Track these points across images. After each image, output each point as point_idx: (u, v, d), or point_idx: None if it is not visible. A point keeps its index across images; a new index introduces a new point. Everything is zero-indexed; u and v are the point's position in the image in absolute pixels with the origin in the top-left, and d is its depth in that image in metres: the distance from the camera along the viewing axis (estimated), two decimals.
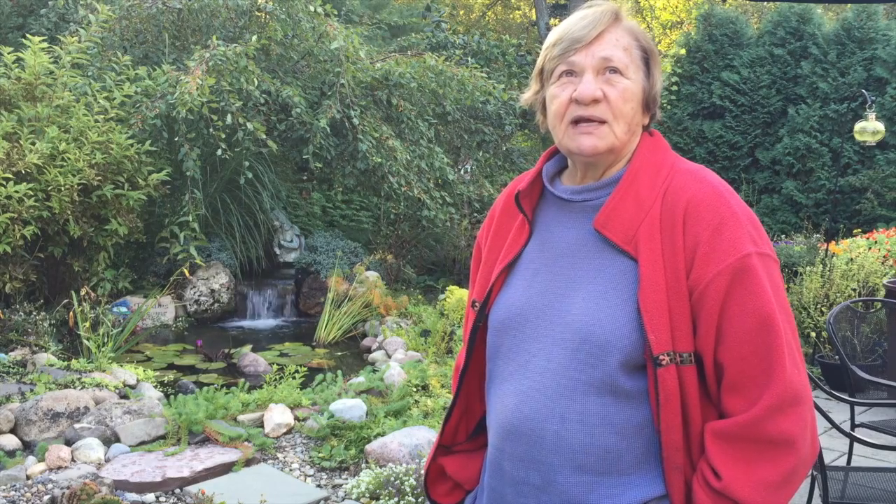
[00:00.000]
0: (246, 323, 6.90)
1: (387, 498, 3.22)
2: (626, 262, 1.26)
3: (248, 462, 3.67)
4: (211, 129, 6.19)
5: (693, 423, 1.23)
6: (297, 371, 4.69)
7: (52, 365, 4.63)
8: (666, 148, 1.36)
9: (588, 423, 1.24)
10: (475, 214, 8.53)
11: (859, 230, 8.13)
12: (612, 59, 1.28)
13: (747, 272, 1.20)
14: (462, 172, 9.12)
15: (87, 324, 5.13)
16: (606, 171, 1.34)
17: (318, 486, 3.52)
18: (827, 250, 6.18)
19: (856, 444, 3.57)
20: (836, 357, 4.53)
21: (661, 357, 1.20)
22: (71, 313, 5.23)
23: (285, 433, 4.02)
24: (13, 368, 4.56)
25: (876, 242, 6.42)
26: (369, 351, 5.95)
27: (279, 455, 3.80)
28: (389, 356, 5.55)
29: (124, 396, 4.36)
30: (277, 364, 5.46)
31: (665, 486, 1.25)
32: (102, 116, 5.82)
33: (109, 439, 3.77)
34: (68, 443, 3.73)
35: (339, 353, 5.98)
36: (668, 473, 1.24)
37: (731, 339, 1.20)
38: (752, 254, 1.21)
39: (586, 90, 1.27)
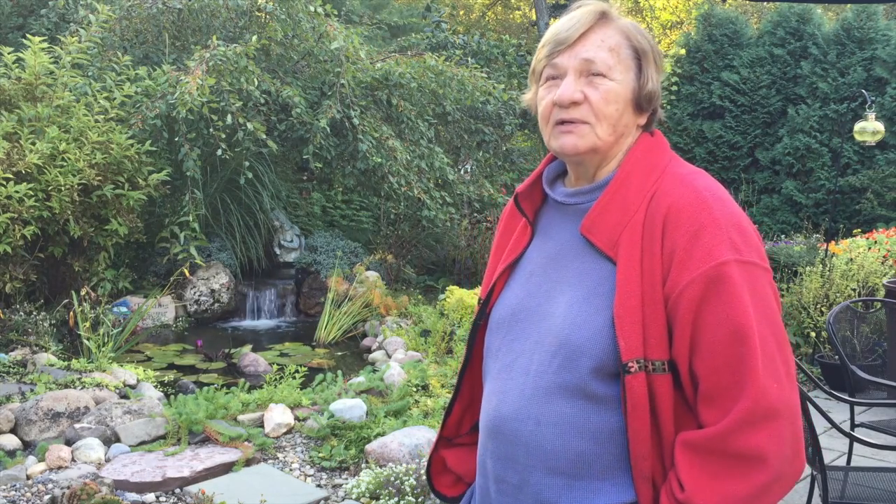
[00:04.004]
0: (246, 323, 6.91)
1: (387, 498, 3.22)
2: (609, 267, 1.26)
3: (249, 462, 3.67)
4: (211, 129, 6.19)
5: (665, 433, 1.21)
6: (297, 371, 4.69)
7: (52, 365, 4.63)
8: (663, 149, 1.34)
9: (561, 426, 1.24)
10: (475, 214, 8.53)
11: (859, 230, 8.13)
12: (594, 60, 1.27)
13: (722, 281, 1.17)
14: (462, 172, 9.12)
15: (88, 324, 5.13)
16: (598, 173, 1.34)
17: (318, 485, 3.53)
18: (827, 250, 6.18)
19: (856, 444, 3.57)
20: (836, 357, 4.53)
21: (630, 364, 1.19)
22: (71, 313, 5.23)
23: (285, 433, 4.02)
24: (13, 368, 4.57)
25: (876, 242, 6.42)
26: (369, 351, 5.95)
27: (279, 455, 3.80)
28: (389, 356, 5.55)
29: (124, 396, 4.37)
30: (277, 364, 5.46)
31: (635, 493, 1.23)
32: (102, 116, 5.83)
33: (109, 439, 3.77)
34: (68, 443, 3.73)
35: (339, 353, 5.98)
36: (636, 481, 1.22)
37: (704, 350, 1.18)
38: (729, 262, 1.17)
39: (564, 93, 1.26)
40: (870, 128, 6.10)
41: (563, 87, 1.27)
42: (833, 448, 4.13)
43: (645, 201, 1.26)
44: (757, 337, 1.16)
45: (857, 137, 6.23)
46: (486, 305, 1.43)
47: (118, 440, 3.79)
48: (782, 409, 1.15)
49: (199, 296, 6.59)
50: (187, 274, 6.37)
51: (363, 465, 3.65)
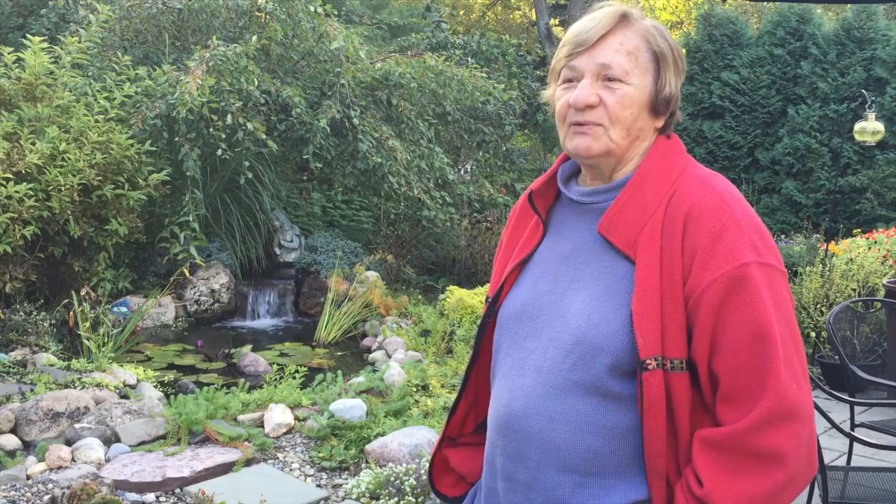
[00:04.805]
0: (246, 323, 6.90)
1: (387, 498, 3.22)
2: (627, 266, 1.26)
3: (249, 462, 3.67)
4: (211, 129, 6.19)
5: (681, 431, 1.22)
6: (297, 371, 4.69)
7: (52, 365, 4.63)
8: (680, 152, 1.35)
9: (575, 423, 1.25)
10: (475, 214, 8.53)
11: (859, 230, 8.13)
12: (610, 65, 1.27)
13: (744, 282, 1.18)
14: (462, 172, 9.12)
15: (88, 324, 5.13)
16: (614, 174, 1.34)
17: (318, 485, 3.53)
18: (827, 250, 6.18)
19: (856, 444, 3.57)
20: (836, 357, 4.53)
21: (648, 362, 1.20)
22: (71, 313, 5.23)
23: (285, 433, 4.02)
24: (13, 368, 4.57)
25: (876, 242, 6.42)
26: (369, 351, 5.95)
27: (279, 455, 3.80)
28: (389, 356, 5.55)
29: (124, 396, 4.37)
30: (277, 364, 5.46)
31: (648, 491, 1.24)
32: (102, 116, 5.82)
33: (109, 439, 3.77)
34: (68, 443, 3.73)
35: (339, 353, 5.98)
36: (649, 478, 1.23)
37: (725, 350, 1.19)
38: (751, 263, 1.19)
39: (580, 96, 1.27)
40: (870, 128, 6.10)
41: (578, 90, 1.28)
42: (833, 448, 4.13)
43: (664, 202, 1.27)
44: (778, 338, 1.17)
45: (857, 137, 6.24)
46: (494, 303, 1.43)
47: (118, 440, 3.79)
48: (801, 411, 1.17)
49: (199, 296, 6.59)
50: (187, 274, 6.37)
51: (363, 465, 3.65)
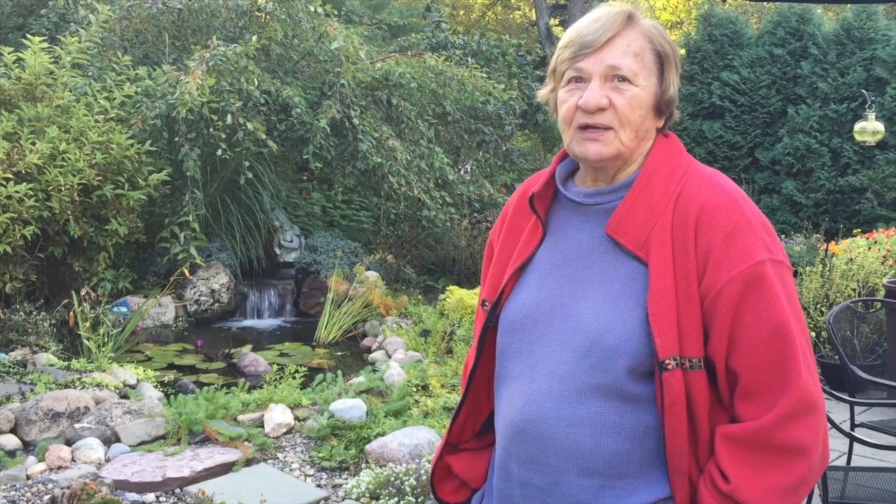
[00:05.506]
0: (246, 323, 6.90)
1: (387, 498, 3.22)
2: (638, 267, 1.26)
3: (249, 462, 3.67)
4: (211, 129, 6.19)
5: (701, 429, 1.23)
6: (297, 371, 4.69)
7: (52, 365, 4.63)
8: (681, 150, 1.35)
9: (595, 427, 1.24)
10: (475, 214, 8.53)
11: (859, 230, 8.13)
12: (619, 67, 1.26)
13: (761, 279, 1.19)
14: (462, 172, 9.12)
15: (88, 324, 5.13)
16: (618, 175, 1.34)
17: (319, 485, 3.53)
18: (827, 250, 6.18)
19: (856, 444, 3.56)
20: (836, 357, 4.53)
21: (667, 361, 1.20)
22: (71, 313, 5.23)
23: (285, 433, 4.02)
24: (13, 368, 4.57)
25: (876, 242, 6.42)
26: (369, 351, 5.95)
27: (279, 455, 3.80)
28: (389, 356, 5.55)
29: (124, 396, 4.37)
30: (277, 364, 5.46)
31: (670, 488, 1.25)
32: (102, 116, 5.83)
33: (110, 439, 3.77)
34: (68, 443, 3.73)
35: (339, 353, 5.98)
36: (671, 476, 1.24)
37: (744, 348, 1.20)
38: (765, 261, 1.20)
39: (591, 99, 1.26)
40: (870, 128, 6.10)
41: (588, 92, 1.27)
42: (833, 448, 4.12)
43: (671, 201, 1.27)
44: (796, 333, 1.19)
45: (857, 137, 6.24)
46: (495, 307, 1.41)
47: (118, 440, 3.79)
48: (818, 403, 1.21)
49: (199, 296, 6.59)
50: (187, 274, 6.37)
51: (363, 465, 3.65)
